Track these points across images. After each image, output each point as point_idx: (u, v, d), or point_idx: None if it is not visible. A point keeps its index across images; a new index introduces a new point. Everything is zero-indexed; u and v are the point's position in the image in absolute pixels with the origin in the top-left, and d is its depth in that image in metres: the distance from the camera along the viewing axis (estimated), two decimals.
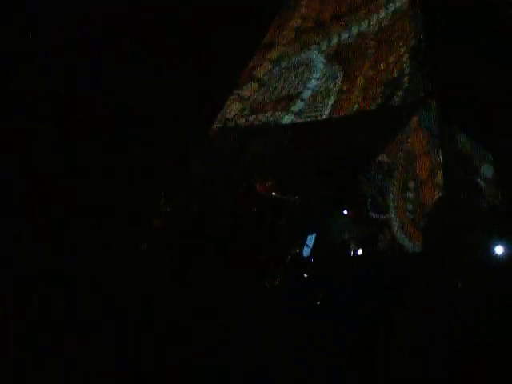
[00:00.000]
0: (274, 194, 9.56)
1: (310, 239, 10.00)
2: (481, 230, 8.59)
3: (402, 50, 9.27)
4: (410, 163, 9.93)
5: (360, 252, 10.19)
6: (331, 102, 9.54)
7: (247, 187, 9.46)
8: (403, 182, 9.94)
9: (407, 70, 9.28)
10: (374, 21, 9.42)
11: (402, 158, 9.89)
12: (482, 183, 9.57)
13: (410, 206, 9.86)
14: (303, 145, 9.54)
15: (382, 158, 9.77)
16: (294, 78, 9.79)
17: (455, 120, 9.43)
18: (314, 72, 9.83)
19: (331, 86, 9.59)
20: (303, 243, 9.81)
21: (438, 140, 9.62)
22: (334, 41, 9.72)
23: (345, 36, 9.56)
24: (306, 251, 9.85)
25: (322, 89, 9.63)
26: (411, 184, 9.92)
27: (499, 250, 8.55)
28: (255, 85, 9.89)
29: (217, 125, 9.78)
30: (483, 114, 9.07)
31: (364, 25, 9.49)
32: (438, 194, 9.48)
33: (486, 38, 8.73)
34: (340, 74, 9.60)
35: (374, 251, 10.07)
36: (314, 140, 9.48)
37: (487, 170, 9.55)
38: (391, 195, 10.00)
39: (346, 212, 10.42)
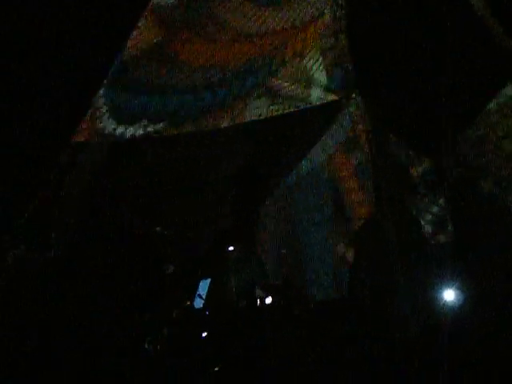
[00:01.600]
0: (156, 229, 7.88)
1: (204, 287, 8.20)
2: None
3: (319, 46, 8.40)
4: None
5: (269, 301, 8.25)
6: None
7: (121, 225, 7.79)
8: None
9: (325, 67, 8.40)
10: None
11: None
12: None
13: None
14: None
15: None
16: None
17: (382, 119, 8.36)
18: None
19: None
20: (195, 293, 8.15)
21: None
22: None
23: None
24: (198, 302, 8.12)
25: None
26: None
27: None
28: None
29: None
30: (409, 112, 8.11)
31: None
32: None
33: (411, 29, 7.90)
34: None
35: (286, 300, 8.24)
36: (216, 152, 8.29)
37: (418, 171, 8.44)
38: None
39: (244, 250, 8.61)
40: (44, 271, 7.59)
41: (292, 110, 8.37)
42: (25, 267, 7.55)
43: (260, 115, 8.39)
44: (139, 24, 8.22)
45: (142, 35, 8.27)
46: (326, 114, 8.54)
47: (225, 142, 8.47)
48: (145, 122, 8.21)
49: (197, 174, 8.41)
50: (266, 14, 8.32)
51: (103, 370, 6.20)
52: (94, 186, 8.15)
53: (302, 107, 8.39)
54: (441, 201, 8.37)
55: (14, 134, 7.65)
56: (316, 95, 8.39)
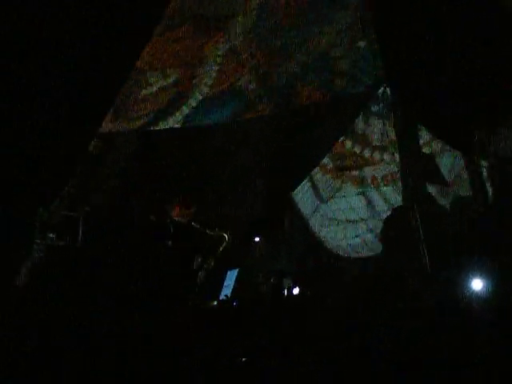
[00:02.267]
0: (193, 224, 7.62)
1: (231, 277, 7.97)
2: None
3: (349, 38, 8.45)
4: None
5: (296, 291, 8.20)
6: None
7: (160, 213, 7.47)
8: None
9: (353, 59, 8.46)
10: None
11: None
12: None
13: None
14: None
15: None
16: None
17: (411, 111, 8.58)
18: None
19: None
20: (222, 283, 7.93)
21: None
22: None
23: None
24: (226, 293, 7.89)
25: None
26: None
27: None
28: None
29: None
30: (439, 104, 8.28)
31: None
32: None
33: (442, 20, 8.14)
34: None
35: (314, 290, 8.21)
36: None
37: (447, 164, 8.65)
38: None
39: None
40: (72, 261, 7.57)
41: (319, 101, 8.38)
42: (53, 258, 7.49)
43: (286, 106, 8.29)
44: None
45: None
46: (354, 105, 8.60)
47: (249, 133, 8.40)
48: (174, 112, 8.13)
49: (224, 165, 8.33)
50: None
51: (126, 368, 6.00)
52: (122, 177, 8.07)
53: (328, 98, 8.44)
54: (468, 191, 8.47)
55: (42, 124, 7.53)
56: (343, 86, 8.46)
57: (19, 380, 5.58)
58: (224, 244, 7.93)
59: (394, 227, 8.48)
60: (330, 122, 8.65)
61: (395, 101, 8.61)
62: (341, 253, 9.25)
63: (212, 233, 7.86)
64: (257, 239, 8.52)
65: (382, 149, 9.13)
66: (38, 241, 7.65)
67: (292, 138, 8.64)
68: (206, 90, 8.47)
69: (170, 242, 7.54)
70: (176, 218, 7.70)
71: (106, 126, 8.05)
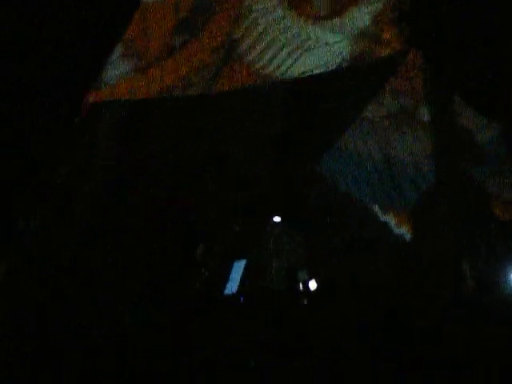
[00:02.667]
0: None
1: (238, 269, 7.04)
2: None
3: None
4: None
5: (313, 286, 7.11)
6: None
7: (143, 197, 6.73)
8: None
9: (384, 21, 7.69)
10: None
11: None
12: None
13: None
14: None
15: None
16: None
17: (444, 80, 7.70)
18: None
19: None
20: (226, 275, 6.98)
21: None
22: None
23: None
24: (231, 287, 6.95)
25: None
26: None
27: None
28: None
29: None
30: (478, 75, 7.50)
31: None
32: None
33: None
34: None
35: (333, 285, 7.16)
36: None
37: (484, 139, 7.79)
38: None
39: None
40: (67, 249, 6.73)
41: (343, 65, 7.54)
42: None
43: (307, 71, 7.50)
44: None
45: None
46: (381, 70, 7.67)
47: (262, 100, 7.36)
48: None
49: (230, 135, 7.27)
50: None
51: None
52: (113, 153, 7.05)
53: (353, 62, 7.60)
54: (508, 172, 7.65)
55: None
56: (370, 49, 7.61)
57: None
58: (231, 228, 6.91)
59: (427, 212, 7.43)
60: (352, 91, 7.57)
61: (427, 68, 7.68)
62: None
63: (215, 215, 6.95)
64: (275, 219, 7.36)
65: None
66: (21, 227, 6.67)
67: (314, 108, 7.60)
68: None
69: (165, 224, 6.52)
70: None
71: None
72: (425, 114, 7.77)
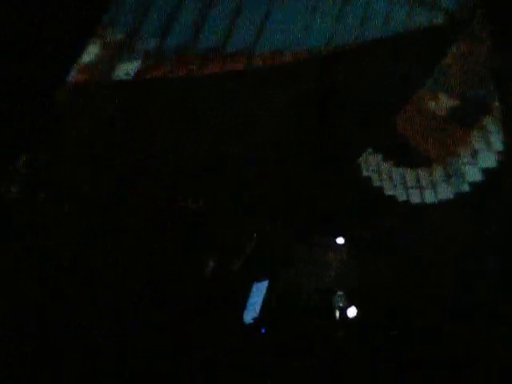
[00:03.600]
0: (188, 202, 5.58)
1: (258, 292, 5.84)
2: None
3: None
4: None
5: (352, 313, 5.95)
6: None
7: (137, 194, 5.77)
8: None
9: None
10: None
11: None
12: None
13: None
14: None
15: None
16: None
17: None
18: None
19: None
20: (245, 301, 5.82)
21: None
22: None
23: None
24: (250, 315, 5.78)
25: None
26: None
27: None
28: None
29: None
30: None
31: None
32: None
33: None
34: None
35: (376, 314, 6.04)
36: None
37: None
38: None
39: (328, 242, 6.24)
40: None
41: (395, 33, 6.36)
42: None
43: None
44: None
45: None
46: (437, 38, 6.50)
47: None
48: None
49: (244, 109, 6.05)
50: None
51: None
52: (100, 137, 5.82)
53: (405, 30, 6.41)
54: None
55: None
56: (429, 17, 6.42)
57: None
58: (251, 243, 5.60)
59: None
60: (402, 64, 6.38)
61: (492, 36, 6.55)
62: None
63: (232, 226, 5.58)
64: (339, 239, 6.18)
65: None
66: None
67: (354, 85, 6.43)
68: None
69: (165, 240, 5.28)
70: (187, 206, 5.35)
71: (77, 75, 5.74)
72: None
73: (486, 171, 6.89)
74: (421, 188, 6.96)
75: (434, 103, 6.82)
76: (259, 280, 5.93)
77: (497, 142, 6.82)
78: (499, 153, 6.84)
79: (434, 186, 6.96)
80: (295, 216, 6.17)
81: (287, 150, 6.15)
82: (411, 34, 6.32)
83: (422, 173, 7.00)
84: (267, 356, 5.55)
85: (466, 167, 6.92)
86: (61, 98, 5.69)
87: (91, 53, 5.86)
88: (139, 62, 5.74)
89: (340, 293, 6.03)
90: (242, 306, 5.83)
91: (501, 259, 6.54)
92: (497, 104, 6.63)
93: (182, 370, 5.47)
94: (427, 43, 6.39)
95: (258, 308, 5.80)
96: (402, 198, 6.90)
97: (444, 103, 6.76)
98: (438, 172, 6.99)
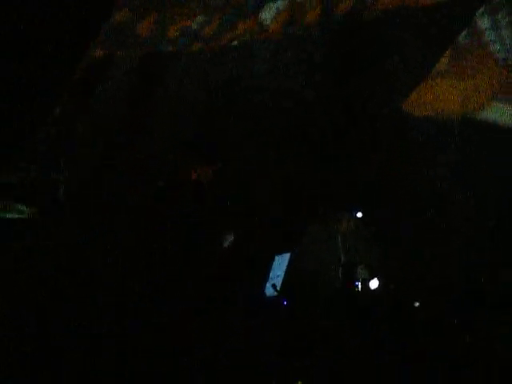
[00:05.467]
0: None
1: (280, 266, 5.86)
2: None
3: None
4: None
5: (374, 285, 5.93)
6: None
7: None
8: None
9: None
10: None
11: None
12: None
13: None
14: None
15: None
16: None
17: None
18: None
19: None
20: (265, 277, 5.87)
21: None
22: None
23: None
24: (272, 288, 5.82)
25: None
26: None
27: None
28: None
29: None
30: None
31: None
32: None
33: None
34: None
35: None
36: None
37: None
38: None
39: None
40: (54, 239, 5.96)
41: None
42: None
43: None
44: None
45: None
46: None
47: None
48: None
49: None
50: None
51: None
52: (116, 116, 5.83)
53: None
54: None
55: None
56: None
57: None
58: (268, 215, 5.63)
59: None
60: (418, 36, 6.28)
61: None
62: None
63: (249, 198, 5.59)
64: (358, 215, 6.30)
65: None
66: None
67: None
68: None
69: (186, 215, 5.27)
70: (195, 179, 5.33)
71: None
72: None
73: None
74: None
75: None
76: (281, 253, 5.97)
77: None
78: None
79: None
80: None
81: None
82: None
83: None
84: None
85: None
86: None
87: None
88: None
89: (362, 265, 6.04)
90: (264, 278, 5.85)
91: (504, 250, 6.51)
92: None
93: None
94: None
95: (280, 280, 5.83)
96: None
97: None
98: None
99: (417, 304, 5.85)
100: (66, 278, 5.81)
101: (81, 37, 5.73)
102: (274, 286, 5.76)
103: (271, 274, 5.88)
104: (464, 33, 6.60)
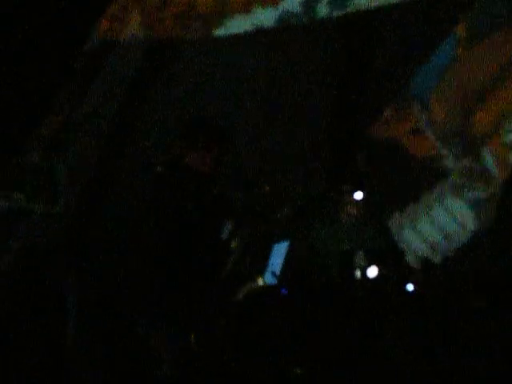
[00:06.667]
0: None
1: (278, 256, 5.84)
2: None
3: None
4: None
5: (373, 272, 5.85)
6: None
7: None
8: None
9: None
10: None
11: None
12: None
13: None
14: None
15: None
16: None
17: None
18: None
19: None
20: (265, 265, 5.83)
21: None
22: None
23: None
24: (270, 279, 5.77)
25: None
26: None
27: None
28: None
29: None
30: None
31: None
32: None
33: None
34: None
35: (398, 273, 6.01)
36: None
37: None
38: None
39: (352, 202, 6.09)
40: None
41: None
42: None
43: None
44: None
45: None
46: None
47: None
48: None
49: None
50: None
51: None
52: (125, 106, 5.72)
53: None
54: None
55: None
56: None
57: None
58: (267, 200, 5.54)
59: None
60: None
61: None
62: None
63: (251, 187, 5.56)
64: (358, 195, 6.02)
65: None
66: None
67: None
68: None
69: (187, 203, 5.14)
70: (193, 167, 5.21)
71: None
72: None
73: None
74: None
75: None
76: (279, 241, 5.95)
77: None
78: None
79: None
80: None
81: None
82: None
83: None
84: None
85: None
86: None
87: None
88: None
89: (360, 252, 5.98)
90: (263, 267, 5.82)
91: None
92: None
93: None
94: None
95: (278, 269, 5.78)
96: None
97: None
98: None
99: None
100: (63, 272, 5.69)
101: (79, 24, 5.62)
102: (273, 273, 5.76)
103: (269, 262, 5.85)
104: None
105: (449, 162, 6.80)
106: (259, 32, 5.81)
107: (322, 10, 5.88)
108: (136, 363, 5.07)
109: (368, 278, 5.83)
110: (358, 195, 6.01)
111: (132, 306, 5.14)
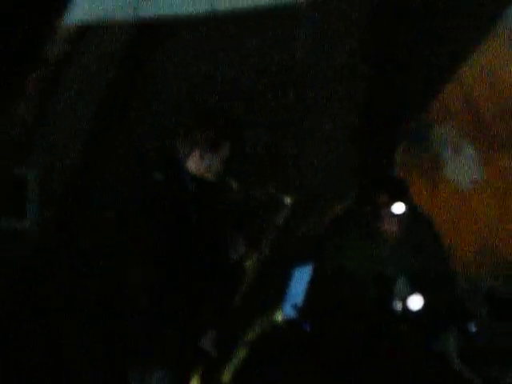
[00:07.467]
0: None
1: (300, 282, 5.13)
2: None
3: None
4: None
5: (417, 304, 5.16)
6: None
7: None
8: None
9: None
10: None
11: None
12: None
13: None
14: None
15: None
16: None
17: None
18: None
19: None
20: (284, 295, 5.19)
21: None
22: None
23: None
24: (291, 311, 5.05)
25: None
26: None
27: None
28: None
29: None
30: None
31: None
32: None
33: None
34: None
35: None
36: None
37: None
38: None
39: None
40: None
41: None
42: None
43: None
44: None
45: None
46: None
47: None
48: None
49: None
50: None
51: None
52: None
53: None
54: None
55: None
56: None
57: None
58: (283, 214, 4.65)
59: None
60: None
61: None
62: None
63: (263, 195, 4.73)
64: (398, 208, 5.23)
65: None
66: None
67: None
68: None
69: (190, 216, 4.30)
70: (195, 172, 4.29)
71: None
72: None
73: None
74: None
75: None
76: (302, 264, 5.22)
77: None
78: None
79: None
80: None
81: None
82: None
83: None
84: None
85: None
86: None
87: None
88: None
89: (401, 277, 5.10)
90: (281, 296, 5.08)
91: None
92: None
93: None
94: None
95: (300, 299, 5.04)
96: None
97: None
98: None
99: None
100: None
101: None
102: (294, 305, 4.94)
103: (289, 291, 5.08)
104: None
105: None
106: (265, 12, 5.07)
107: None
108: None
109: (410, 311, 5.16)
110: (399, 208, 5.14)
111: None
